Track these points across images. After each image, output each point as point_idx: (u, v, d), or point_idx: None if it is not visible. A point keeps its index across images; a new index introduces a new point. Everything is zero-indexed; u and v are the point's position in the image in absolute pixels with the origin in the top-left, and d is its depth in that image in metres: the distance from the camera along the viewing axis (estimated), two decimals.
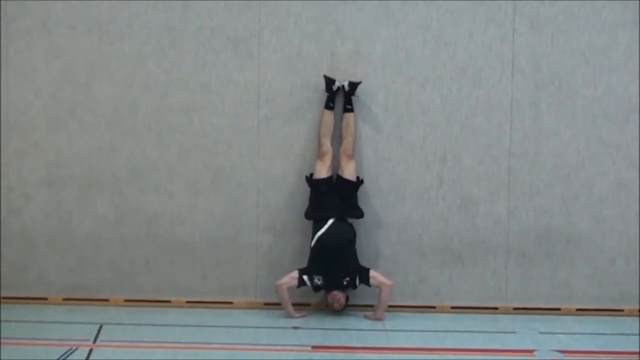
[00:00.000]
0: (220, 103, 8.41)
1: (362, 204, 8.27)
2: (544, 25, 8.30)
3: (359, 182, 8.25)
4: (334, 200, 8.14)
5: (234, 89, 8.39)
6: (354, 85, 8.21)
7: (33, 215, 8.49)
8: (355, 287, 8.05)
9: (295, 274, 8.05)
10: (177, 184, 8.45)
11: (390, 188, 8.40)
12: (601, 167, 8.36)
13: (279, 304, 8.22)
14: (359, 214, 8.21)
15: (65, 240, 8.48)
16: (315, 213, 8.16)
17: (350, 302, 8.30)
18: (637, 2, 8.27)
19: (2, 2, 8.35)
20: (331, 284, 8.01)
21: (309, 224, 8.22)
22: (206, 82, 8.39)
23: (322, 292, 8.19)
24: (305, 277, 8.02)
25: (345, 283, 8.00)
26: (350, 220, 8.19)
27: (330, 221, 8.09)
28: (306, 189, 8.27)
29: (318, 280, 8.01)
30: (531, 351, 7.21)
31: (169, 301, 8.49)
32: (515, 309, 8.42)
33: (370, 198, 8.36)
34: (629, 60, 8.30)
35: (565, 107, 8.34)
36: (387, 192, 8.41)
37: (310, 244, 8.10)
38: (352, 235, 8.12)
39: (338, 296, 8.05)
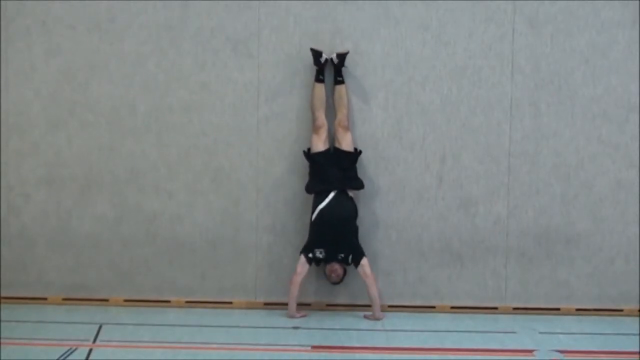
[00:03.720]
0: (220, 103, 8.40)
1: (361, 203, 8.27)
2: (543, 25, 8.30)
3: (357, 152, 8.25)
4: (333, 172, 8.14)
5: (234, 89, 8.39)
6: (342, 57, 8.19)
7: (32, 215, 8.48)
8: (348, 264, 8.07)
9: (302, 258, 8.06)
10: (177, 184, 8.45)
11: (390, 188, 8.40)
12: (601, 166, 8.36)
13: (278, 304, 8.23)
14: (359, 185, 8.22)
15: (64, 240, 8.48)
16: (315, 186, 8.16)
17: (350, 302, 8.31)
18: (637, 1, 8.27)
19: (2, 1, 8.34)
20: (330, 257, 8.04)
21: (309, 223, 8.21)
22: (206, 82, 8.39)
23: (322, 294, 8.20)
24: (310, 255, 8.04)
25: (340, 258, 8.03)
26: (350, 193, 8.18)
27: (332, 194, 8.09)
28: (304, 188, 8.27)
29: (320, 254, 8.04)
30: (531, 351, 7.21)
31: (168, 301, 8.49)
32: (514, 308, 8.42)
33: (370, 198, 8.36)
34: (629, 60, 8.30)
35: (565, 107, 8.34)
36: (386, 192, 8.41)
37: (311, 218, 8.11)
38: (353, 210, 8.14)
39: (335, 267, 8.07)
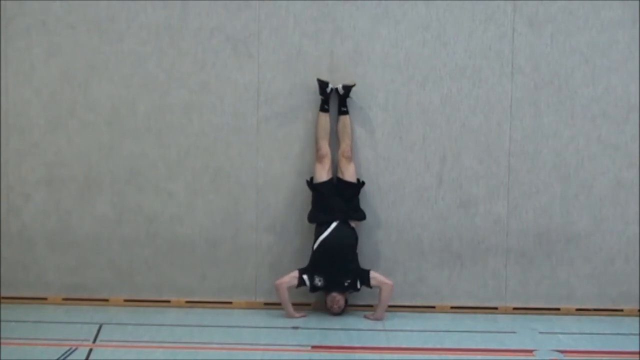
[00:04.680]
0: (220, 102, 8.40)
1: (362, 203, 8.26)
2: (543, 24, 8.30)
3: (360, 184, 8.24)
4: (336, 202, 8.14)
5: (234, 89, 8.39)
6: (348, 88, 8.20)
7: (32, 214, 8.48)
8: (357, 289, 8.05)
9: (295, 273, 8.05)
10: (177, 184, 8.45)
11: (390, 188, 8.40)
12: (601, 166, 8.36)
13: (278, 304, 8.22)
14: (362, 217, 8.22)
15: (64, 240, 8.48)
16: (318, 216, 8.16)
17: (350, 302, 8.30)
18: (637, 1, 8.27)
19: (2, 1, 8.34)
20: (332, 286, 8.02)
21: (309, 224, 8.22)
22: (205, 82, 8.39)
23: (321, 294, 8.20)
24: (305, 277, 8.03)
25: (346, 284, 8.01)
26: (352, 224, 8.18)
27: (334, 225, 8.08)
28: (306, 189, 8.27)
29: (319, 282, 8.02)
30: (531, 351, 7.21)
31: (168, 301, 8.49)
32: (514, 308, 8.42)
33: (370, 198, 8.36)
34: (629, 60, 8.30)
35: (565, 107, 8.34)
36: (386, 192, 8.40)
37: (313, 247, 8.10)
38: (354, 240, 8.13)
39: (337, 298, 8.05)
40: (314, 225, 8.18)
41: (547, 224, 8.38)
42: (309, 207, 8.24)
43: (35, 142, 8.46)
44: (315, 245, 8.07)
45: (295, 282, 8.03)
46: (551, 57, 8.31)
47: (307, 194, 8.25)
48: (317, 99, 8.28)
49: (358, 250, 8.17)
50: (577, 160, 8.36)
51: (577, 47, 8.30)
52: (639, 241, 8.36)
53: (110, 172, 8.45)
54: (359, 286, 8.04)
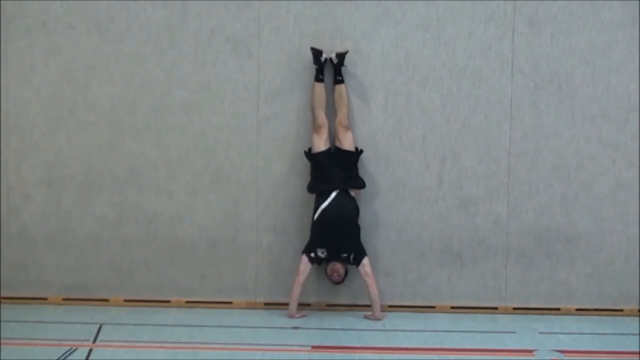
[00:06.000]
0: (220, 102, 8.40)
1: (361, 203, 8.26)
2: (543, 24, 8.30)
3: (359, 152, 8.25)
4: (335, 172, 8.14)
5: (234, 89, 8.39)
6: (341, 56, 8.19)
7: (32, 215, 8.48)
8: (350, 263, 8.09)
9: (304, 258, 8.06)
10: (177, 184, 8.45)
11: (390, 188, 8.40)
12: (601, 166, 8.36)
13: (278, 304, 8.23)
14: (361, 184, 8.22)
15: (64, 240, 8.48)
16: (317, 186, 8.16)
17: (350, 302, 8.32)
18: (637, 1, 8.27)
19: (2, 1, 8.35)
20: (332, 257, 8.06)
21: (309, 223, 8.22)
22: (205, 82, 8.39)
23: (321, 294, 8.21)
24: (312, 255, 8.04)
25: (342, 258, 8.06)
26: (352, 193, 8.18)
27: (333, 194, 8.09)
28: (306, 187, 8.27)
29: (322, 254, 8.05)
30: (531, 351, 7.22)
31: (168, 301, 8.49)
32: (514, 308, 8.42)
33: (370, 198, 8.36)
34: (629, 60, 8.30)
35: (565, 107, 8.34)
36: (386, 192, 8.41)
37: (313, 218, 8.11)
38: (354, 209, 8.14)
39: (337, 266, 8.08)
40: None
41: (547, 224, 8.38)
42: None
43: (35, 142, 8.46)
44: (316, 216, 8.08)
45: (310, 266, 8.05)
46: (551, 57, 8.31)
47: (307, 193, 8.24)
48: None
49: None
50: (577, 160, 8.36)
51: (577, 47, 8.30)
52: (639, 241, 8.36)
53: (110, 172, 8.45)
54: (351, 261, 8.07)
